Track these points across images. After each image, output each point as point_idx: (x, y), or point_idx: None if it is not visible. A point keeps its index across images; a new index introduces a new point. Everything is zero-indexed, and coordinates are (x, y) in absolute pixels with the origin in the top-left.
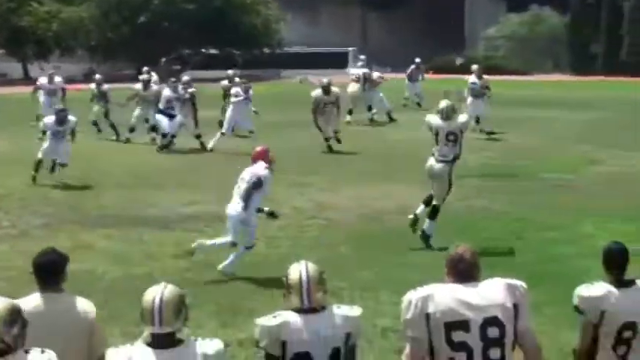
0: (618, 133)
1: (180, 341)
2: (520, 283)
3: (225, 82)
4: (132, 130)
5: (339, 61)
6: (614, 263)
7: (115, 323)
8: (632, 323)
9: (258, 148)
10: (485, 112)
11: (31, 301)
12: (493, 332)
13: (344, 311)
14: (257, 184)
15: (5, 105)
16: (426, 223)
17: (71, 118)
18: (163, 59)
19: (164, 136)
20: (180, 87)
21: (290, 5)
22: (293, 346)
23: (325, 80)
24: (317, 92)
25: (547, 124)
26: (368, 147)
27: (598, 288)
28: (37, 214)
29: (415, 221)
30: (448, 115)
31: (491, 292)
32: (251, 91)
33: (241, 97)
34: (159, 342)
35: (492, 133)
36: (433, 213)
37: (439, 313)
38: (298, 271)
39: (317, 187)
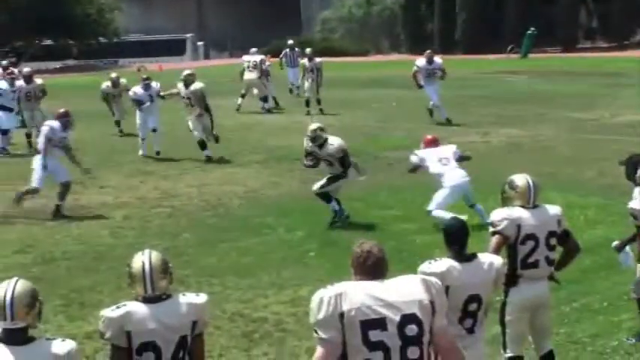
0: (453, 111)
1: (32, 338)
2: (435, 280)
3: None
4: None
5: (177, 48)
6: (455, 238)
7: None
8: (477, 295)
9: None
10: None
11: None
12: (411, 330)
13: (189, 299)
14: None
15: None
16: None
17: None
18: None
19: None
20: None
21: None
22: (138, 336)
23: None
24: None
25: (385, 103)
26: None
27: (440, 264)
28: None
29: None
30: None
31: (407, 289)
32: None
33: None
34: (10, 338)
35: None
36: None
37: (354, 311)
38: (141, 260)
39: (159, 174)
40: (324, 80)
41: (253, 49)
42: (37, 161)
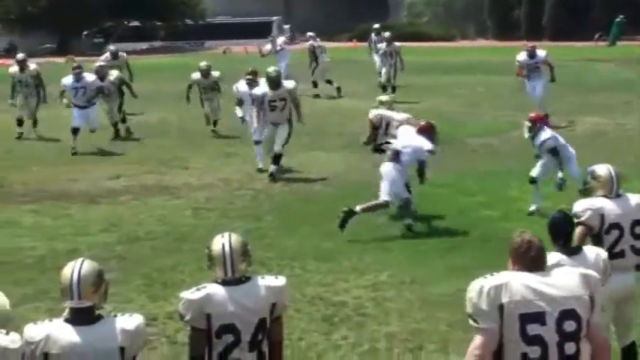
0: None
1: (99, 317)
2: (594, 273)
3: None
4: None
5: (263, 31)
6: (559, 232)
7: (41, 300)
8: None
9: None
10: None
11: None
12: (570, 326)
13: (268, 281)
14: None
15: None
16: None
17: None
18: (85, 32)
19: None
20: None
21: None
22: (218, 318)
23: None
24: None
25: (470, 89)
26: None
27: (551, 257)
28: None
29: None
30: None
31: (567, 283)
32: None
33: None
34: (77, 317)
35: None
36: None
37: (514, 303)
38: (221, 243)
39: (243, 156)
40: (404, 65)
41: (310, 33)
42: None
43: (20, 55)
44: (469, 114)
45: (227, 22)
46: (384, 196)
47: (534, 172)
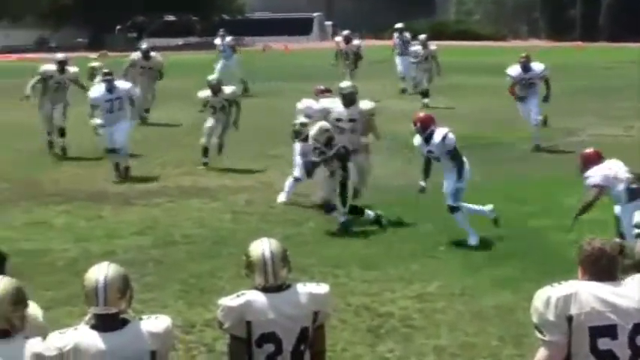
0: (592, 101)
1: (125, 321)
2: None
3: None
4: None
5: (303, 28)
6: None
7: (73, 304)
8: None
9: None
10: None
11: None
12: None
13: (310, 289)
14: None
15: None
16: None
17: None
18: (118, 27)
19: None
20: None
21: None
22: (258, 326)
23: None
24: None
25: None
26: None
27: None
28: None
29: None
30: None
31: (639, 294)
32: None
33: None
34: (104, 323)
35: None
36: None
37: (584, 315)
38: (261, 248)
39: (285, 159)
40: (441, 69)
41: (346, 32)
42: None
43: (61, 55)
44: (519, 117)
45: (266, 18)
46: None
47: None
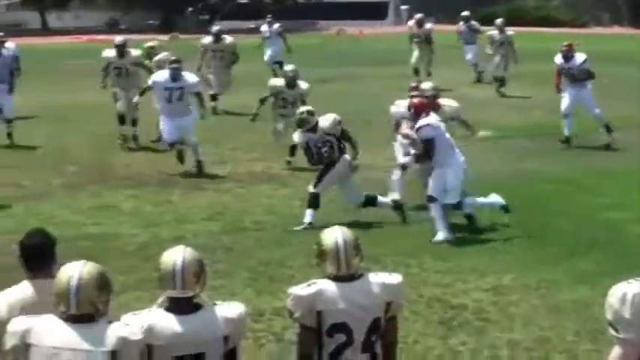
0: None
1: (199, 306)
2: None
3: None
4: None
5: (378, 12)
6: None
7: (144, 290)
8: None
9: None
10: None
11: (22, 291)
12: None
13: (382, 278)
14: None
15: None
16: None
17: None
18: (190, 9)
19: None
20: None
21: None
22: (329, 316)
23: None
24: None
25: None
26: None
27: None
28: (58, 172)
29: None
30: None
31: None
32: None
33: None
34: (180, 307)
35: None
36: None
37: None
38: (333, 236)
39: (363, 146)
40: (518, 56)
41: (419, 15)
42: None
43: (119, 39)
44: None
45: (341, 2)
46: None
47: None
